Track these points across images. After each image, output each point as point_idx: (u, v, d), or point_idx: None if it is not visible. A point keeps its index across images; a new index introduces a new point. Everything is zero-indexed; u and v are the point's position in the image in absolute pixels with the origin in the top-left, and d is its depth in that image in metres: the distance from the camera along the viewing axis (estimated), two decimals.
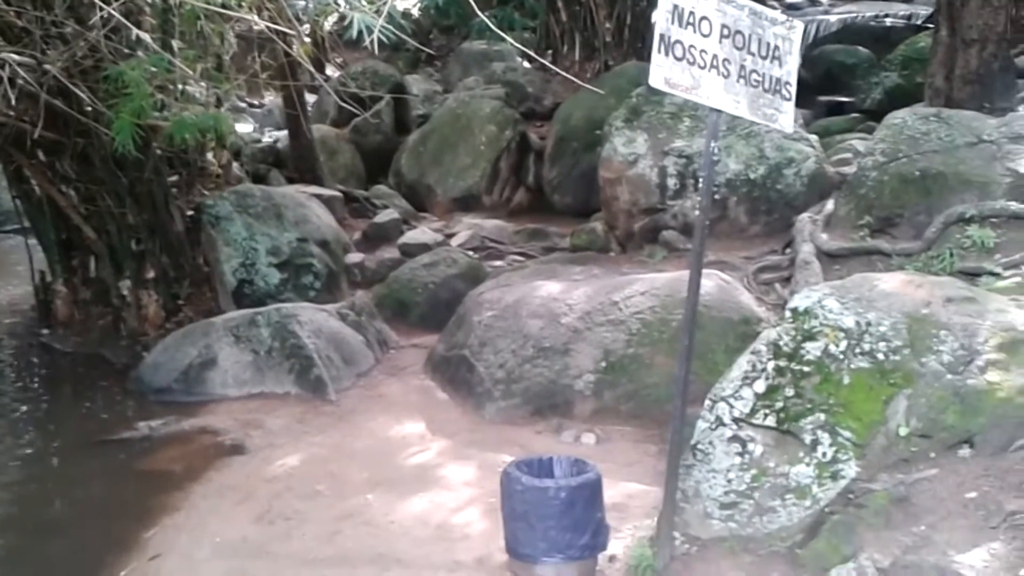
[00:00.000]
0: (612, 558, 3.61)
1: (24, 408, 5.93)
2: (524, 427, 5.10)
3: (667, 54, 3.13)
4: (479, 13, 3.77)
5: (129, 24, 4.30)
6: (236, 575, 3.72)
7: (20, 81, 5.09)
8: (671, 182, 7.03)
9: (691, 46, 3.18)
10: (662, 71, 3.13)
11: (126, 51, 5.74)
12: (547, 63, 7.26)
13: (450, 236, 8.67)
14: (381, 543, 3.93)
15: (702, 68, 3.21)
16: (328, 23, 7.09)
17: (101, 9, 4.07)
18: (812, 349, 3.58)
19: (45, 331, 7.11)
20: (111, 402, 5.85)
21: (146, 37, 4.78)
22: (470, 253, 7.93)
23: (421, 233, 8.60)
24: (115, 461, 4.96)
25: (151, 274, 6.95)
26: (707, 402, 3.70)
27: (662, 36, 3.12)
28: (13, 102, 5.37)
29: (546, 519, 3.40)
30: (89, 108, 5.91)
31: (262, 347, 5.89)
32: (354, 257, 7.99)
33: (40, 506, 4.59)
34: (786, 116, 3.50)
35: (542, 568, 3.45)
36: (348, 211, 9.37)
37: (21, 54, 5.23)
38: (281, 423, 5.37)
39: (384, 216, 9.04)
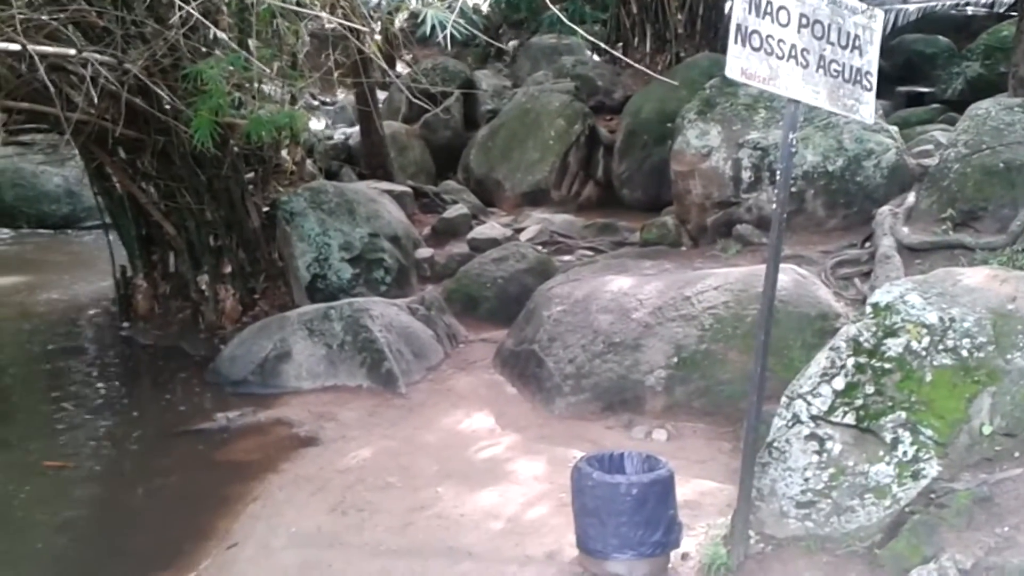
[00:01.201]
0: (685, 556, 3.58)
1: (107, 399, 6.12)
2: (594, 422, 5.07)
3: (744, 44, 3.07)
4: (550, 6, 3.76)
5: (207, 23, 4.38)
6: (311, 565, 3.77)
7: (102, 80, 5.25)
8: (746, 175, 6.92)
9: (768, 36, 3.12)
10: (739, 61, 3.08)
11: (204, 50, 5.87)
12: (619, 55, 7.20)
13: (519, 231, 8.67)
14: (452, 536, 3.95)
15: (780, 58, 3.15)
16: (399, 20, 7.15)
17: (180, 8, 4.16)
18: (894, 345, 3.48)
19: (126, 325, 7.33)
20: (190, 394, 6.00)
21: (224, 36, 4.88)
22: (539, 248, 7.92)
23: (490, 228, 8.62)
24: (194, 451, 5.08)
25: (228, 269, 7.10)
26: (784, 399, 3.63)
27: (739, 26, 3.06)
28: (95, 101, 5.54)
29: (617, 515, 3.39)
30: (168, 106, 6.06)
31: (335, 341, 5.97)
32: (424, 252, 8.05)
33: (123, 494, 4.73)
34: (867, 107, 3.41)
35: (613, 564, 3.44)
36: (418, 206, 9.46)
37: (103, 53, 5.38)
38: (353, 415, 5.44)
39: (453, 211, 9.09)
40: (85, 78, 5.29)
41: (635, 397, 5.11)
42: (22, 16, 4.64)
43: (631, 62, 5.85)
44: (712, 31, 12.03)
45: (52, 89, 5.19)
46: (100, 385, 6.38)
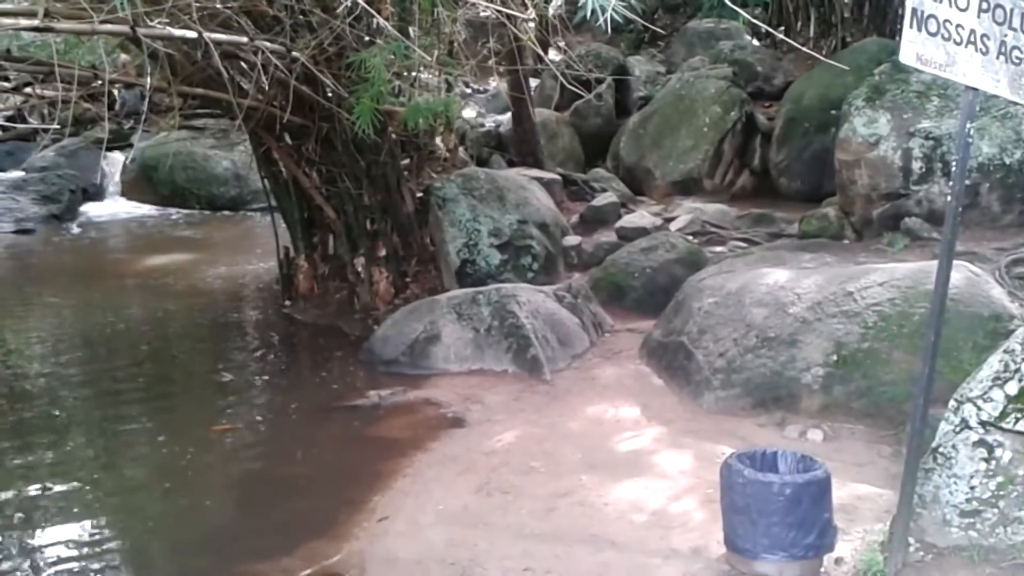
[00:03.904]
0: (839, 560, 3.45)
1: (268, 373, 6.44)
2: (744, 419, 4.93)
3: (920, 29, 2.94)
4: None
5: (372, 11, 4.49)
6: (457, 542, 3.83)
7: (271, 68, 5.49)
8: (916, 165, 6.57)
9: (946, 20, 2.98)
10: (914, 47, 2.95)
11: (367, 39, 6.03)
12: (785, 39, 6.96)
13: (669, 220, 8.52)
14: (595, 524, 3.93)
15: (958, 44, 3.00)
16: (554, 6, 7.13)
17: None
18: None
19: (288, 303, 7.67)
20: (344, 371, 6.22)
21: (386, 24, 4.99)
22: (690, 238, 7.76)
23: (639, 217, 8.52)
24: (348, 426, 5.27)
25: (383, 252, 7.31)
26: (951, 403, 3.45)
27: (914, 10, 2.94)
28: (265, 88, 5.80)
29: (769, 515, 3.31)
30: (332, 94, 6.27)
31: (482, 325, 6.04)
32: (571, 240, 8.04)
33: (282, 465, 4.95)
34: None
35: (762, 564, 3.36)
36: (566, 194, 9.45)
37: (273, 42, 5.61)
38: (499, 399, 5.50)
39: (602, 199, 9.03)
40: (256, 66, 5.55)
41: (789, 395, 4.93)
42: (198, 5, 4.90)
43: (797, 45, 5.60)
44: (881, 15, 11.46)
45: (225, 76, 5.49)
46: (262, 359, 6.71)
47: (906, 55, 2.96)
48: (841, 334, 4.94)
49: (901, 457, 3.46)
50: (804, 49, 6.36)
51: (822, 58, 6.55)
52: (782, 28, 11.87)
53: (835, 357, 4.90)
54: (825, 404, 4.86)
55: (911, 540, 3.32)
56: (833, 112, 8.15)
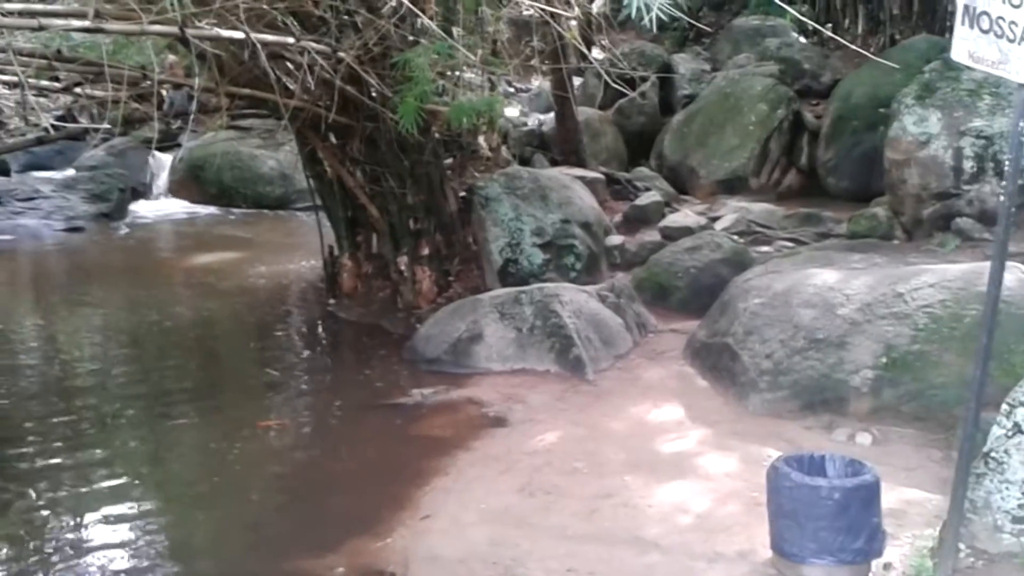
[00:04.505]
0: (887, 566, 3.40)
1: (312, 370, 6.50)
2: (791, 421, 4.86)
3: (972, 26, 2.90)
4: None
5: (416, 11, 4.51)
6: (500, 542, 3.83)
7: (317, 68, 5.53)
8: (968, 165, 6.45)
9: (999, 17, 2.91)
10: (965, 44, 2.91)
11: (411, 39, 6.06)
12: (835, 36, 6.87)
13: (714, 219, 8.45)
14: (639, 526, 3.91)
15: (1011, 41, 2.92)
16: (597, 4, 7.11)
17: None
18: None
19: (332, 301, 7.73)
20: (388, 369, 6.24)
21: (431, 24, 5.00)
22: (735, 238, 7.68)
23: (683, 216, 8.45)
24: (391, 424, 5.29)
25: (426, 251, 7.33)
26: (1004, 407, 3.39)
27: (966, 7, 2.90)
28: (311, 88, 5.85)
29: (817, 519, 3.26)
30: (376, 94, 6.30)
31: (525, 325, 6.03)
32: (615, 239, 8.00)
33: (326, 461, 4.99)
34: None
35: (810, 569, 3.31)
36: (609, 193, 9.41)
37: (319, 42, 5.65)
38: (541, 399, 5.48)
39: (645, 198, 8.98)
40: (302, 66, 5.59)
41: (838, 397, 4.86)
42: (245, 6, 4.96)
43: (846, 43, 5.52)
44: (931, 12, 11.25)
45: (271, 76, 5.54)
46: (307, 357, 6.78)
47: (958, 52, 2.93)
48: (891, 336, 4.86)
49: (952, 461, 3.41)
50: (853, 46, 6.28)
51: (871, 55, 6.46)
52: (830, 25, 11.70)
53: (885, 359, 4.81)
54: (874, 407, 4.77)
55: (961, 546, 3.27)
56: (882, 110, 8.04)
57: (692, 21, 5.91)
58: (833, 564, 3.27)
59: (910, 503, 3.93)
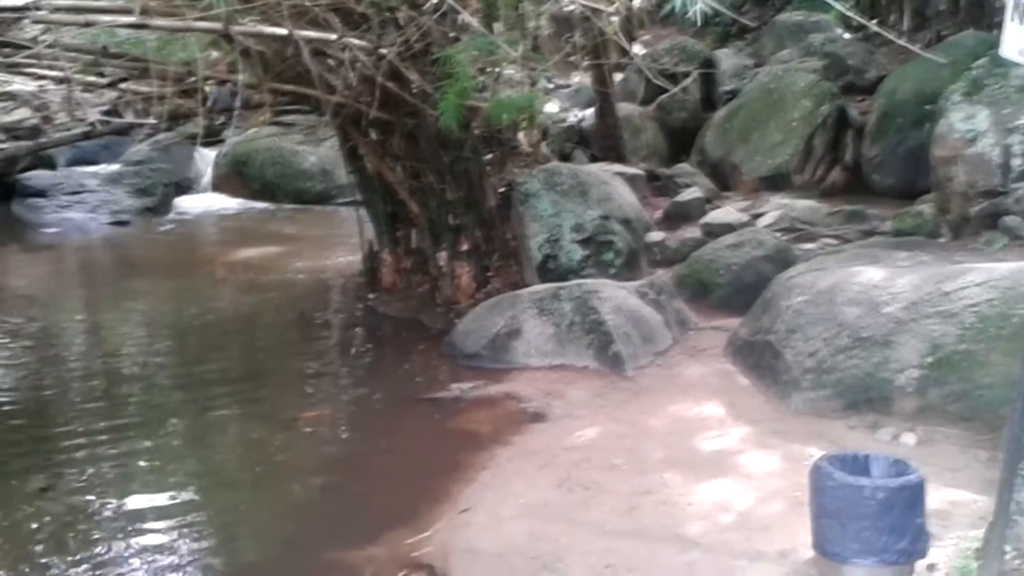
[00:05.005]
0: (931, 567, 3.34)
1: (352, 364, 6.55)
2: (834, 421, 4.79)
3: (1021, 22, 2.85)
4: None
5: (458, 7, 4.52)
6: (539, 536, 3.83)
7: (359, 64, 5.57)
8: (1016, 162, 6.32)
9: None
10: (1015, 41, 2.85)
11: (452, 35, 6.07)
12: (882, 31, 6.76)
13: (756, 216, 8.34)
14: (678, 524, 3.88)
15: None
16: (639, 0, 7.06)
17: None
18: None
19: (372, 296, 7.78)
20: (427, 364, 6.27)
21: (472, 21, 5.01)
22: (778, 235, 7.58)
23: (725, 213, 8.37)
24: (430, 419, 5.31)
25: (465, 247, 7.34)
26: None
27: (1016, 3, 2.85)
28: (353, 84, 5.89)
29: (860, 519, 3.21)
30: (416, 90, 6.33)
31: (563, 320, 6.02)
32: (655, 236, 7.95)
33: (366, 454, 5.03)
34: None
35: (852, 569, 3.26)
36: (650, 189, 9.35)
37: (361, 39, 5.69)
38: (580, 395, 5.47)
39: (687, 195, 8.90)
40: (344, 62, 5.64)
41: (882, 397, 4.78)
42: (289, 3, 5.00)
43: (892, 37, 5.44)
44: (978, 8, 11.02)
45: (313, 73, 5.59)
46: (347, 351, 6.84)
47: (1007, 49, 2.87)
48: (937, 335, 4.77)
49: (998, 462, 3.34)
50: (899, 42, 6.18)
51: (919, 52, 6.35)
52: (875, 20, 11.52)
53: (930, 359, 4.73)
54: (919, 407, 4.69)
55: (1007, 548, 3.16)
56: (928, 107, 7.89)
57: (735, 16, 5.84)
58: (876, 565, 3.22)
59: (955, 504, 3.86)
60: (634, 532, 3.83)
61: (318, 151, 12.48)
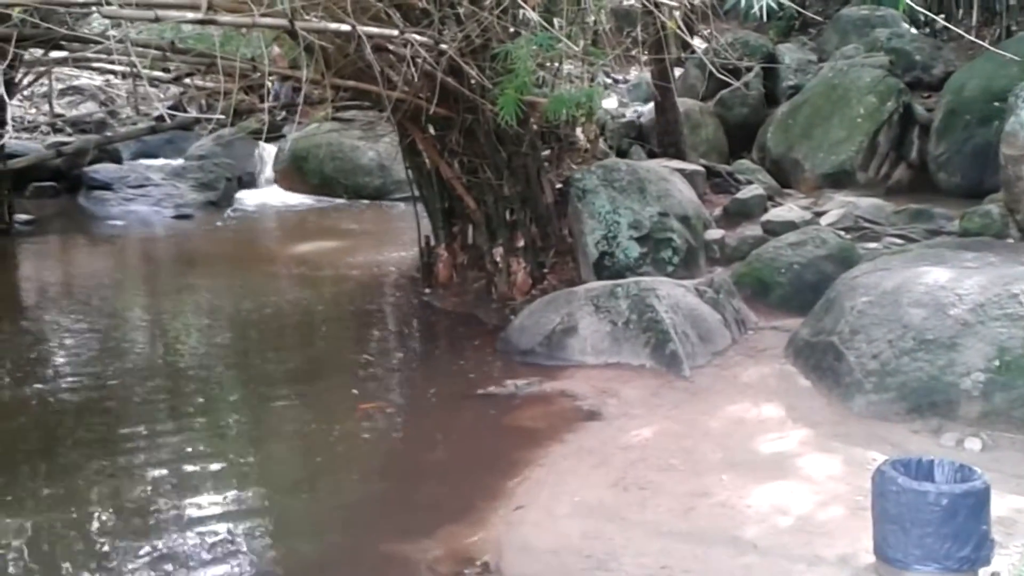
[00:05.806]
0: (994, 575, 3.27)
1: (408, 358, 6.61)
2: (897, 424, 4.70)
3: None
4: None
5: (519, 2, 4.51)
6: (593, 535, 3.82)
7: (420, 60, 5.59)
8: None
9: None
10: None
11: (512, 30, 6.07)
12: (950, 26, 6.59)
13: (819, 214, 8.19)
14: (736, 526, 3.84)
15: None
16: None
17: None
18: None
19: (427, 290, 7.81)
20: (482, 360, 6.27)
21: (533, 16, 5.00)
22: (841, 233, 7.43)
23: (787, 211, 8.23)
24: (484, 414, 5.32)
25: (521, 243, 7.34)
26: None
27: None
28: (414, 79, 5.92)
29: (923, 525, 3.17)
30: (475, 85, 6.34)
31: (620, 318, 5.98)
32: (714, 233, 7.85)
33: (422, 448, 5.07)
34: None
35: None
36: (709, 186, 9.24)
37: (422, 35, 5.72)
38: (636, 394, 5.43)
39: (747, 192, 8.78)
40: (405, 58, 5.67)
41: (947, 401, 4.67)
42: None
43: (961, 32, 5.29)
44: None
45: (375, 68, 5.63)
46: (403, 345, 6.90)
47: None
48: (1004, 338, 4.65)
49: None
50: (968, 37, 6.01)
51: (989, 47, 6.16)
52: (942, 15, 11.23)
53: (997, 363, 4.61)
54: (985, 412, 4.58)
55: None
56: (997, 104, 7.70)
57: (799, 10, 5.74)
58: (938, 571, 3.18)
59: (1020, 511, 3.77)
60: (690, 533, 3.80)
61: (376, 147, 12.57)
